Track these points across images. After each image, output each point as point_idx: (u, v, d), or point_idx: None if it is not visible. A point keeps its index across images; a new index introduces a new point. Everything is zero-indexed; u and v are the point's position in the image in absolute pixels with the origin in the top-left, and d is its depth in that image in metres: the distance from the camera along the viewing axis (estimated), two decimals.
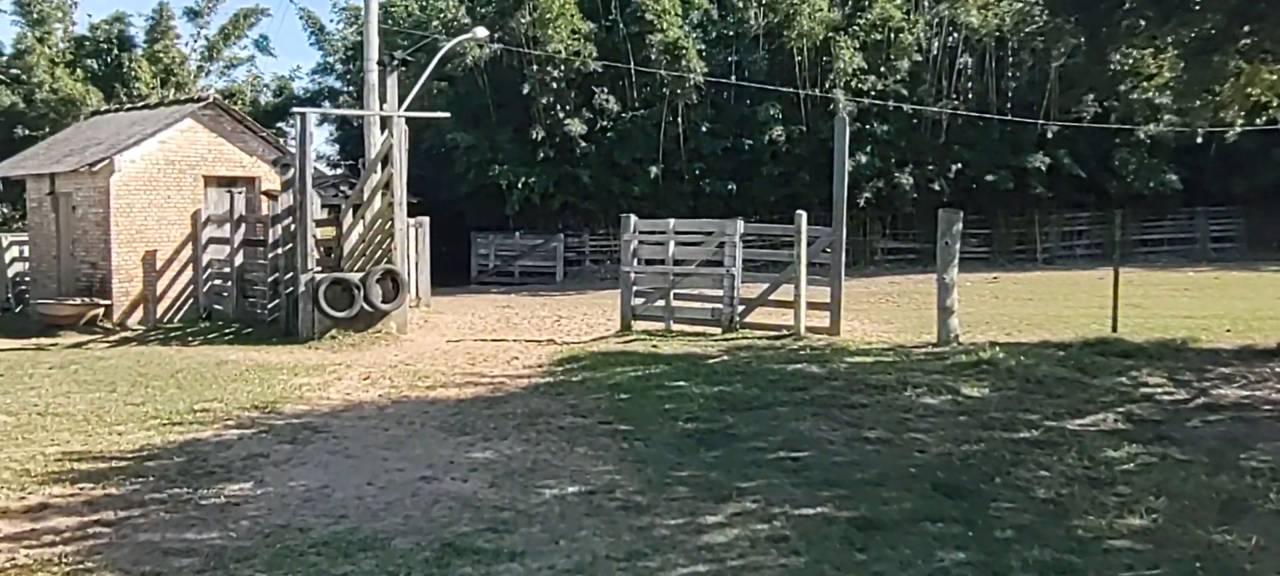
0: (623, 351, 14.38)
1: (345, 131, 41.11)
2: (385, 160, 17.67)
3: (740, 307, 15.52)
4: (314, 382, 12.39)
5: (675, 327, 15.93)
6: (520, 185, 32.50)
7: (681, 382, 11.63)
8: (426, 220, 22.77)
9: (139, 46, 38.32)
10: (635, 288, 16.30)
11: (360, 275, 16.76)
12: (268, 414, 10.52)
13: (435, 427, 9.73)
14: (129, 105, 24.08)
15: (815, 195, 34.89)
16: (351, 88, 37.61)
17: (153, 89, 35.42)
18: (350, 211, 18.49)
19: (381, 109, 17.83)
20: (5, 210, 33.45)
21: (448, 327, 19.04)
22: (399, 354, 15.16)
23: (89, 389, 12.03)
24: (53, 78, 36.60)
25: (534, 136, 32.22)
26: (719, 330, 15.48)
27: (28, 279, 22.38)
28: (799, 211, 15.34)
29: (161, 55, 38.44)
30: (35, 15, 36.64)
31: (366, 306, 16.55)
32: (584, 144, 32.75)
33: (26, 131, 33.15)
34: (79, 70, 37.80)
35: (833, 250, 15.16)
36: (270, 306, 18.80)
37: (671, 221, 16.19)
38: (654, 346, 14.65)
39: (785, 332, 15.01)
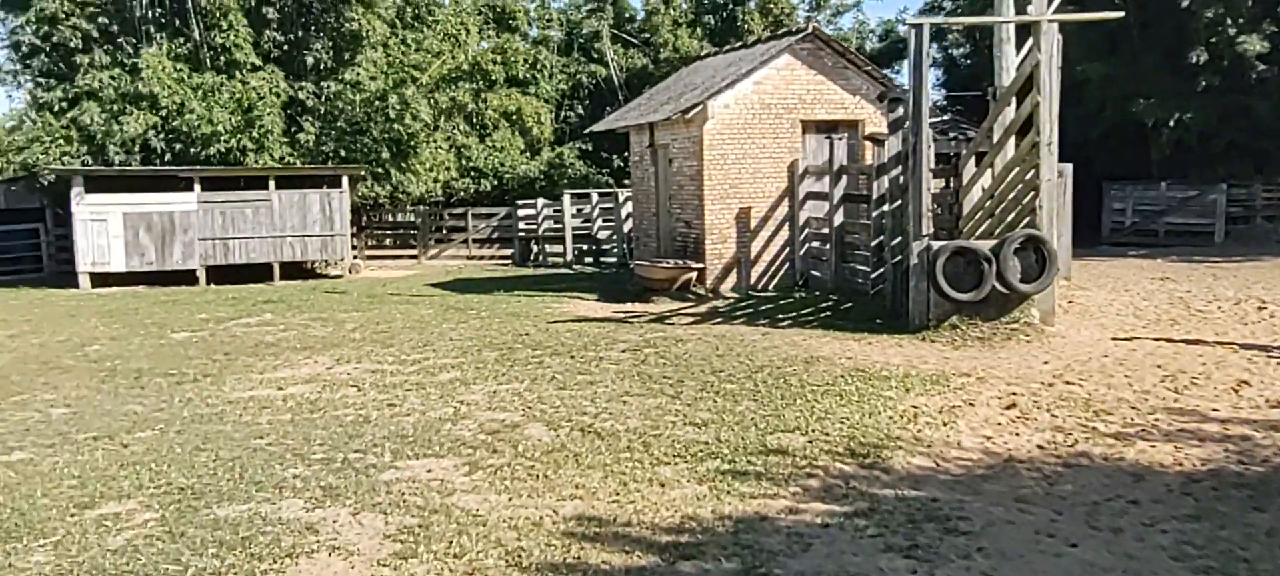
0: None
1: (952, 74, 37.10)
2: (1024, 88, 13.12)
3: None
4: (933, 408, 8.53)
5: None
6: (1171, 124, 25.66)
7: None
8: (1069, 168, 17.66)
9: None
10: None
11: (991, 243, 12.52)
12: (868, 468, 6.90)
13: (1169, 554, 5.26)
14: (727, 48, 22.39)
15: None
16: (960, 29, 33.18)
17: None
18: (970, 160, 14.32)
19: (1022, 14, 13.25)
20: None
21: (1102, 313, 14.03)
22: (1049, 359, 10.69)
23: (651, 391, 9.53)
24: (675, 38, 37.92)
25: (1192, 61, 24.96)
26: None
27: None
28: None
29: (772, 7, 37.99)
30: None
31: (999, 286, 12.27)
32: (1263, 66, 24.63)
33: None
34: (698, 28, 38.72)
35: None
36: (873, 277, 15.44)
37: None
38: None
39: None
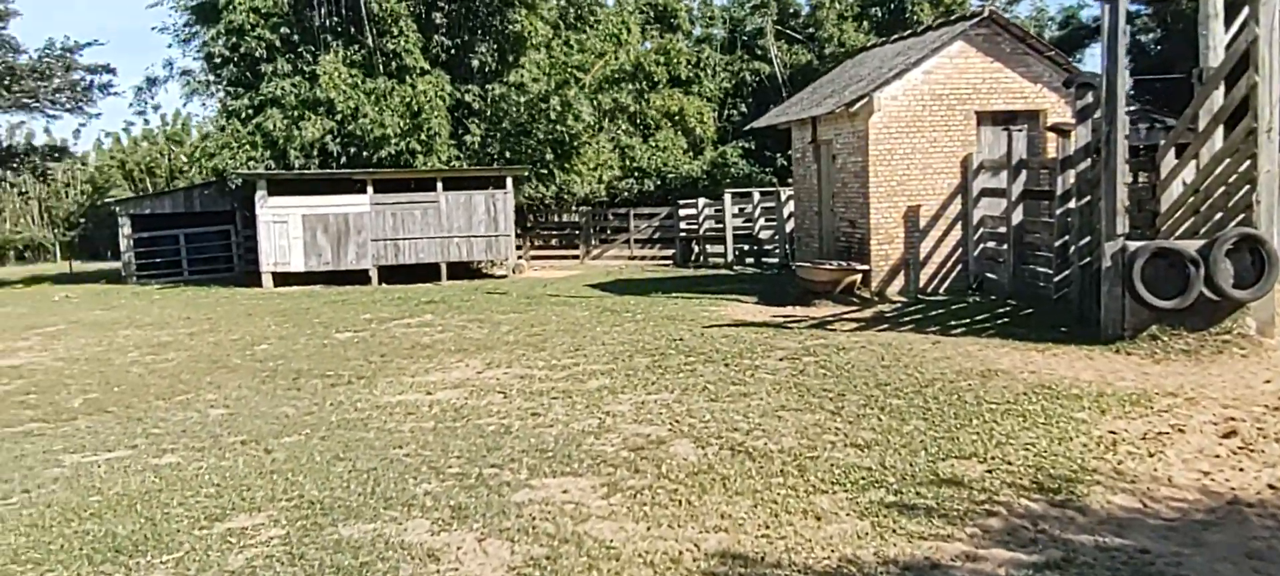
0: None
1: (1140, 61, 34.31)
2: (1236, 69, 11.62)
3: None
4: (1134, 434, 7.47)
5: None
6: None
7: None
8: None
9: None
10: None
11: (1198, 244, 11.14)
12: (1060, 506, 6.00)
13: None
14: (895, 37, 21.25)
15: None
16: (1149, 8, 30.55)
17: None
18: (1169, 151, 12.87)
19: None
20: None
21: None
22: (1271, 378, 9.33)
23: (809, 404, 8.82)
24: (840, 31, 36.82)
25: None
26: None
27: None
28: None
29: None
30: None
31: (1207, 292, 10.89)
32: None
33: None
34: (865, 21, 37.44)
35: None
36: (1057, 280, 14.15)
37: None
38: None
39: None
